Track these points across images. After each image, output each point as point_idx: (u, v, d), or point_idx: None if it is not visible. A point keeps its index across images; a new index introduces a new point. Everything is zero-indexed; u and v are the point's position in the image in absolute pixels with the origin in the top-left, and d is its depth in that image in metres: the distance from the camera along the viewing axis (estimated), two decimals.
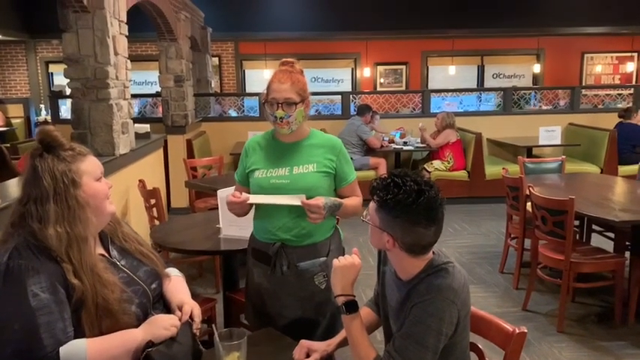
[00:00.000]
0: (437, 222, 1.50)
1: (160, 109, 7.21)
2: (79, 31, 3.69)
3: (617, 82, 11.83)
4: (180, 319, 1.56)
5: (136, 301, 1.51)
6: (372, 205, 1.55)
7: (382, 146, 6.78)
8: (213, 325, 1.58)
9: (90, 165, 1.53)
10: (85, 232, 1.45)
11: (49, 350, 1.30)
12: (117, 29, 3.93)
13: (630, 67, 11.78)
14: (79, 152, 1.52)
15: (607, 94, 8.41)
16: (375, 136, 6.79)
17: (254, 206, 2.17)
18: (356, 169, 2.26)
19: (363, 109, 6.90)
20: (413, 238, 1.49)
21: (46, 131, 1.50)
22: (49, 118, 8.13)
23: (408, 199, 1.44)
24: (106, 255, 1.59)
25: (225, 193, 2.98)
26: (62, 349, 1.32)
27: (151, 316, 1.54)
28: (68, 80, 3.82)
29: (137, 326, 1.49)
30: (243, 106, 7.94)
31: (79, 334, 1.39)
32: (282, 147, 2.13)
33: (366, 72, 11.33)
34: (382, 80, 11.75)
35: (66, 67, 3.80)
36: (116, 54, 3.90)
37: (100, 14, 3.69)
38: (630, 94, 8.12)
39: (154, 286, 1.62)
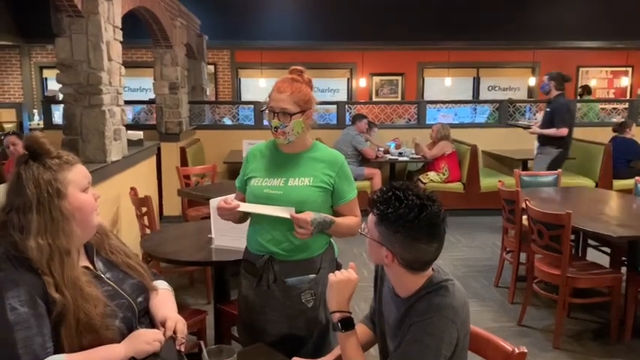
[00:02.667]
0: (439, 238, 1.44)
1: (154, 116, 7.16)
2: (72, 36, 3.64)
3: (612, 96, 11.89)
4: (164, 335, 1.50)
5: (120, 316, 1.45)
6: (371, 217, 1.49)
7: (377, 157, 6.75)
8: (202, 343, 1.50)
9: (77, 174, 1.46)
10: (68, 245, 1.39)
11: None
12: (111, 35, 3.88)
13: (625, 81, 11.85)
14: (66, 161, 1.46)
15: (602, 108, 8.43)
16: (370, 147, 6.76)
17: (251, 216, 2.12)
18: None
19: (356, 118, 6.87)
20: (413, 255, 1.43)
21: (33, 138, 1.45)
22: (42, 123, 8.04)
23: (409, 214, 1.39)
24: (91, 267, 1.53)
25: (217, 203, 2.93)
26: None
27: (135, 331, 1.47)
28: (60, 85, 3.77)
29: (120, 341, 1.43)
30: (237, 115, 7.90)
31: (58, 349, 1.33)
32: (282, 157, 2.09)
33: (361, 82, 11.33)
34: (378, 91, 11.75)
35: (58, 72, 3.75)
36: (110, 60, 3.85)
37: (94, 19, 3.64)
38: (625, 108, 8.15)
39: (140, 299, 1.56)
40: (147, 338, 1.44)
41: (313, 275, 2.02)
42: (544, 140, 5.67)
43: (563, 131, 5.49)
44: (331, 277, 1.57)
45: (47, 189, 1.39)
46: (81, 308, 1.35)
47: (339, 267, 2.13)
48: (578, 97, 9.31)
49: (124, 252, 1.64)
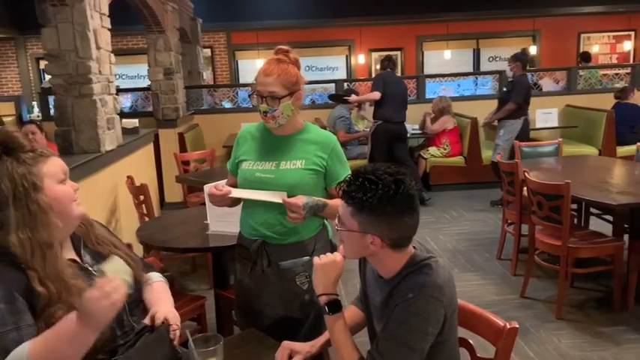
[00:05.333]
0: (417, 208, 1.44)
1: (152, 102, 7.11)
2: (58, 25, 3.58)
3: (615, 61, 11.70)
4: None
5: None
6: (344, 210, 1.45)
7: (346, 140, 6.51)
8: (187, 331, 1.49)
9: (52, 167, 1.45)
10: (49, 238, 1.38)
11: None
12: (98, 22, 3.82)
13: (627, 45, 11.64)
14: (40, 154, 1.44)
15: (604, 74, 8.29)
16: (346, 133, 6.60)
17: (243, 200, 2.09)
18: (352, 159, 2.16)
19: (346, 93, 6.76)
20: (400, 232, 1.42)
21: (5, 132, 1.43)
22: (41, 115, 8.03)
23: (389, 192, 1.37)
24: (78, 260, 1.52)
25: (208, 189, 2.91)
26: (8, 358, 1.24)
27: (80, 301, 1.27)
28: (50, 77, 3.73)
29: (110, 335, 1.42)
30: (236, 98, 7.84)
31: None
32: (273, 140, 2.05)
33: (360, 59, 11.21)
34: (377, 67, 11.61)
35: (47, 63, 3.71)
36: (98, 48, 3.80)
37: (79, 7, 3.58)
38: (628, 73, 8.01)
39: (130, 291, 1.54)
40: (95, 299, 1.22)
41: (307, 257, 2.00)
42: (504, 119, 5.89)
43: (511, 105, 5.70)
44: (316, 260, 1.55)
45: (22, 183, 1.37)
46: (67, 301, 1.33)
47: (334, 248, 2.11)
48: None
49: (112, 242, 1.62)
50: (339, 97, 6.61)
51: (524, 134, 5.75)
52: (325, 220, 2.13)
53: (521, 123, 5.77)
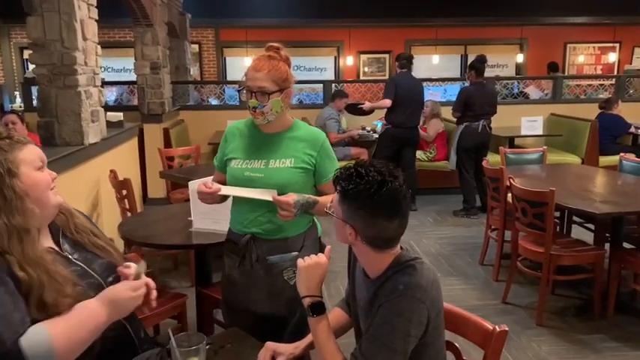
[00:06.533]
0: (400, 215, 1.41)
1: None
2: (44, 14, 3.51)
3: (599, 72, 11.86)
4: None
5: (91, 295, 1.42)
6: (335, 196, 1.47)
7: (337, 141, 6.47)
8: (169, 330, 1.47)
9: (29, 154, 1.43)
10: (25, 224, 1.36)
11: (8, 344, 1.21)
12: (85, 13, 3.75)
13: (612, 57, 11.81)
14: (17, 140, 1.43)
15: (589, 85, 8.40)
16: (337, 133, 6.55)
17: (231, 197, 2.09)
18: (338, 160, 2.15)
19: (335, 95, 6.74)
20: (374, 231, 1.41)
21: None
22: (24, 105, 7.89)
23: (370, 189, 1.36)
24: (57, 249, 1.50)
25: (196, 185, 2.87)
26: (23, 340, 1.23)
27: (107, 290, 1.43)
28: (34, 66, 3.66)
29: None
30: (223, 95, 7.78)
31: None
32: (262, 138, 2.04)
33: (349, 60, 11.20)
34: (366, 69, 11.64)
35: (31, 52, 3.63)
36: (85, 39, 3.73)
37: None
38: (612, 84, 8.12)
39: (110, 279, 1.54)
40: (126, 295, 1.42)
41: (295, 253, 2.01)
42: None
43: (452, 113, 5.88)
44: (300, 262, 1.54)
45: None
46: (48, 287, 1.32)
47: (322, 247, 2.12)
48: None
49: (92, 231, 1.61)
50: (355, 107, 6.39)
51: (469, 140, 5.76)
52: (315, 218, 2.14)
53: (461, 129, 5.80)
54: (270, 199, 1.87)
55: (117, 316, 1.41)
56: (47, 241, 1.49)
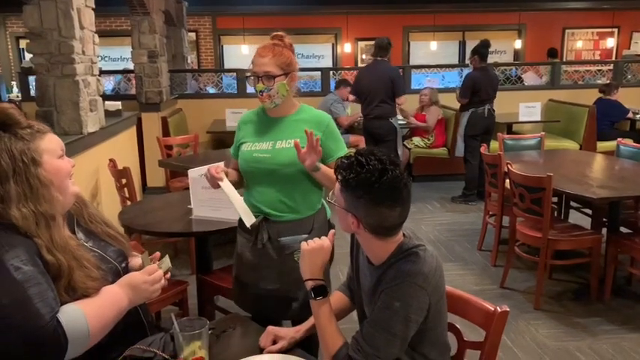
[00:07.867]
0: (401, 202, 1.43)
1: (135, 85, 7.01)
2: (40, 3, 3.50)
3: (598, 57, 11.84)
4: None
5: (110, 280, 1.46)
6: (337, 185, 1.49)
7: (353, 125, 6.60)
8: (173, 315, 1.49)
9: (50, 143, 1.45)
10: (52, 210, 1.39)
11: (47, 319, 1.24)
12: (82, 1, 3.74)
13: (610, 42, 11.78)
14: (37, 130, 1.44)
15: (587, 70, 8.39)
16: (346, 116, 6.62)
17: (245, 180, 2.19)
18: None
19: (340, 83, 6.75)
20: (376, 220, 1.42)
21: (2, 109, 1.42)
22: (21, 95, 7.87)
23: (370, 177, 1.38)
24: (72, 236, 1.51)
25: (196, 173, 2.89)
26: (61, 317, 1.26)
27: (127, 277, 1.49)
28: (31, 56, 3.65)
29: None
30: (221, 83, 7.76)
31: None
32: (270, 121, 2.15)
33: (347, 47, 11.15)
34: (363, 56, 11.59)
35: (28, 41, 3.62)
36: (82, 28, 3.72)
37: None
38: (610, 69, 8.11)
39: (123, 265, 1.59)
40: (143, 279, 1.46)
41: (306, 235, 2.07)
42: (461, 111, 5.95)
43: (459, 99, 5.79)
44: (303, 245, 1.56)
45: (22, 158, 1.38)
46: (77, 271, 1.35)
47: (332, 227, 2.20)
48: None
49: (104, 221, 1.65)
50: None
51: (477, 126, 5.71)
52: (323, 200, 2.24)
53: (468, 115, 5.76)
54: (248, 225, 2.04)
55: (138, 301, 1.47)
56: (64, 230, 1.51)
